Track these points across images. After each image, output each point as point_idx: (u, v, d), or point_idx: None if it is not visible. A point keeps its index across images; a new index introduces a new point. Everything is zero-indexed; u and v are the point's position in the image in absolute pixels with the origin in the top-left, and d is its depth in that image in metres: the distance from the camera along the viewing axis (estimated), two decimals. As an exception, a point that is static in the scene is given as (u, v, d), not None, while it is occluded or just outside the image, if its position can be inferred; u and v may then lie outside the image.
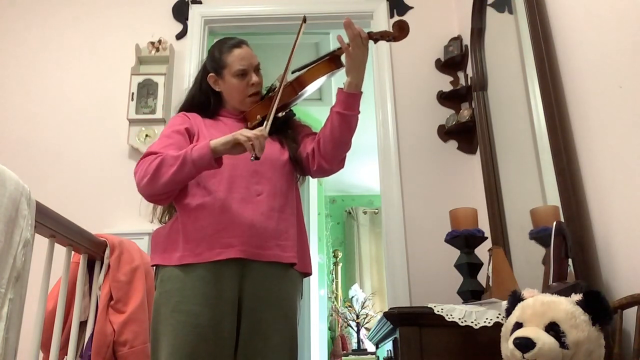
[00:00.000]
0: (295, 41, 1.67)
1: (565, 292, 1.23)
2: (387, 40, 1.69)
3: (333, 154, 1.67)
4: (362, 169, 5.32)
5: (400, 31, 1.65)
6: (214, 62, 1.76)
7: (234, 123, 1.73)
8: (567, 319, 1.11)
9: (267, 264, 1.56)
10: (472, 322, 1.56)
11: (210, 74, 1.76)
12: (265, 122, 1.57)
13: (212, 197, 1.58)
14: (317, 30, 3.50)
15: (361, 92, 1.64)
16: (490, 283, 1.80)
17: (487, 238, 1.94)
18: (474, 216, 1.94)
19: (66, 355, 1.80)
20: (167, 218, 1.74)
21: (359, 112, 1.65)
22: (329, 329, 5.55)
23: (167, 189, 1.56)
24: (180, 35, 3.09)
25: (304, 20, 1.69)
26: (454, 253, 1.94)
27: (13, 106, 2.98)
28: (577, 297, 1.16)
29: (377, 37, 1.66)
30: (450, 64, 2.91)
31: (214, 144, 1.50)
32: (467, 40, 2.77)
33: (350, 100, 1.62)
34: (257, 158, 1.47)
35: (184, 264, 1.53)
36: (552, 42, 1.84)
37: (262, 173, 1.63)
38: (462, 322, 1.56)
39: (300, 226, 1.70)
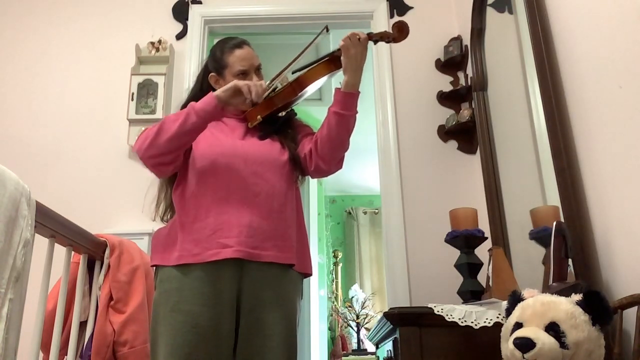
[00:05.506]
0: (308, 46, 1.71)
1: (565, 292, 1.23)
2: (387, 42, 1.69)
3: (330, 154, 1.66)
4: (362, 169, 5.31)
5: (399, 32, 1.66)
6: (215, 62, 1.76)
7: (234, 122, 1.73)
8: (567, 319, 1.11)
9: (265, 264, 1.55)
10: (472, 322, 1.56)
11: (212, 74, 1.76)
12: (268, 84, 1.65)
13: (211, 198, 1.58)
14: (317, 31, 3.48)
15: (359, 92, 1.63)
16: (490, 283, 1.80)
17: (487, 238, 1.94)
18: (474, 216, 1.94)
19: (66, 355, 1.80)
20: (169, 216, 1.73)
21: (356, 112, 1.64)
22: (329, 329, 5.54)
23: (172, 146, 1.56)
24: (180, 36, 3.09)
25: (327, 29, 1.76)
26: (454, 253, 1.94)
27: (13, 106, 2.98)
28: (577, 297, 1.16)
29: (376, 38, 1.67)
30: (450, 64, 2.91)
31: (216, 92, 1.59)
32: (467, 40, 2.77)
33: (347, 100, 1.61)
34: (253, 104, 1.58)
35: (182, 264, 1.53)
36: (552, 42, 1.84)
37: (261, 174, 1.62)
38: (462, 322, 1.56)
39: (300, 227, 1.69)
